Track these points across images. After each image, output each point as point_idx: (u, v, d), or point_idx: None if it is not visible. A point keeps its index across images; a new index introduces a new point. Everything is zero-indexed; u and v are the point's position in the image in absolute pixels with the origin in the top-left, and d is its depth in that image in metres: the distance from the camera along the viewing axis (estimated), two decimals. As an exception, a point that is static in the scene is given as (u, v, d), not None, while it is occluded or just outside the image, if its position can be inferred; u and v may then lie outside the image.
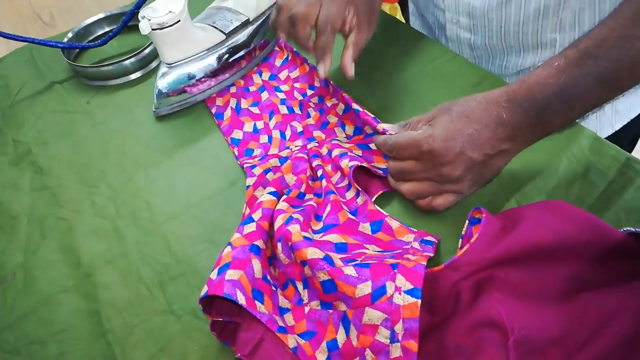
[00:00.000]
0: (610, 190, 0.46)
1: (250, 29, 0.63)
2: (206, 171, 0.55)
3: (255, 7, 0.64)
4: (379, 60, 0.65)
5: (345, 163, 0.48)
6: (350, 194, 0.49)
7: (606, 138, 0.51)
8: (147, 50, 0.68)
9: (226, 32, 0.61)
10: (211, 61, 0.61)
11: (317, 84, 0.61)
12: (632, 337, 0.32)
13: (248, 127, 0.59)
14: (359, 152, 0.52)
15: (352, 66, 0.52)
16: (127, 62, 0.67)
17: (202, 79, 0.61)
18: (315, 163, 0.51)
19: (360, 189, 0.48)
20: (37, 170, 0.59)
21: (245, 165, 0.53)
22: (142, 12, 0.56)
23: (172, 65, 0.60)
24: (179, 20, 0.56)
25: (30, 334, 0.44)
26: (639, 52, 0.39)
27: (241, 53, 0.63)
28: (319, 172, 0.50)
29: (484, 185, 0.46)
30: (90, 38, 0.75)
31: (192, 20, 0.61)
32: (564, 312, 0.35)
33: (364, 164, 0.49)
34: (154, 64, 0.69)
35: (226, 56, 0.61)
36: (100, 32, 0.76)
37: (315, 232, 0.45)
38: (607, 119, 0.48)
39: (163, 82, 0.60)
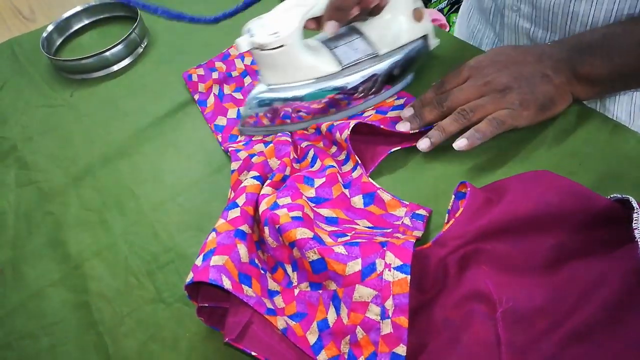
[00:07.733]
0: (598, 159, 0.46)
1: (371, 69, 0.52)
2: (191, 158, 0.55)
3: (391, 39, 0.52)
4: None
5: (338, 136, 0.48)
6: (346, 167, 0.49)
7: None
8: (126, 41, 0.67)
9: (343, 64, 0.51)
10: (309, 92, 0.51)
11: None
12: (617, 302, 0.32)
13: (232, 113, 0.58)
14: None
15: (331, 25, 0.48)
16: (108, 53, 0.66)
17: (296, 110, 0.51)
18: (304, 144, 0.50)
19: (359, 161, 0.48)
20: (23, 165, 0.58)
21: (230, 149, 0.52)
22: (249, 25, 0.48)
23: (270, 87, 0.51)
24: (283, 45, 0.47)
25: (21, 328, 0.44)
26: None
27: (349, 93, 0.52)
28: (311, 153, 0.49)
29: (538, 113, 0.45)
30: (71, 31, 0.74)
31: (315, 37, 0.53)
32: (550, 282, 0.35)
33: (354, 122, 0.48)
34: (136, 54, 0.68)
35: (331, 94, 0.51)
36: (80, 24, 0.75)
37: (309, 199, 0.45)
38: None
39: (253, 102, 0.51)
